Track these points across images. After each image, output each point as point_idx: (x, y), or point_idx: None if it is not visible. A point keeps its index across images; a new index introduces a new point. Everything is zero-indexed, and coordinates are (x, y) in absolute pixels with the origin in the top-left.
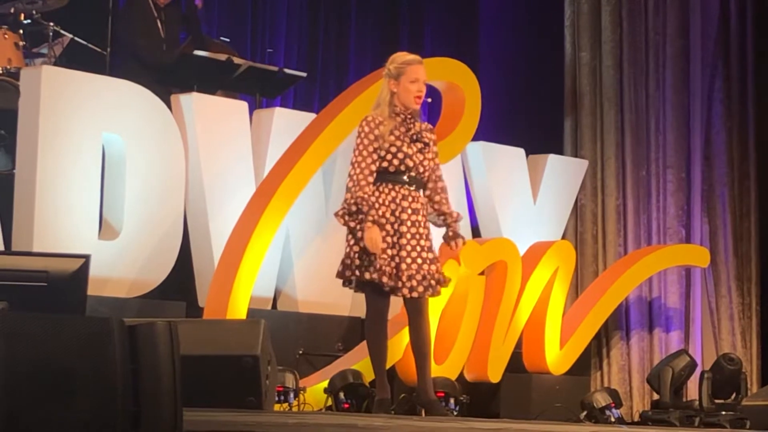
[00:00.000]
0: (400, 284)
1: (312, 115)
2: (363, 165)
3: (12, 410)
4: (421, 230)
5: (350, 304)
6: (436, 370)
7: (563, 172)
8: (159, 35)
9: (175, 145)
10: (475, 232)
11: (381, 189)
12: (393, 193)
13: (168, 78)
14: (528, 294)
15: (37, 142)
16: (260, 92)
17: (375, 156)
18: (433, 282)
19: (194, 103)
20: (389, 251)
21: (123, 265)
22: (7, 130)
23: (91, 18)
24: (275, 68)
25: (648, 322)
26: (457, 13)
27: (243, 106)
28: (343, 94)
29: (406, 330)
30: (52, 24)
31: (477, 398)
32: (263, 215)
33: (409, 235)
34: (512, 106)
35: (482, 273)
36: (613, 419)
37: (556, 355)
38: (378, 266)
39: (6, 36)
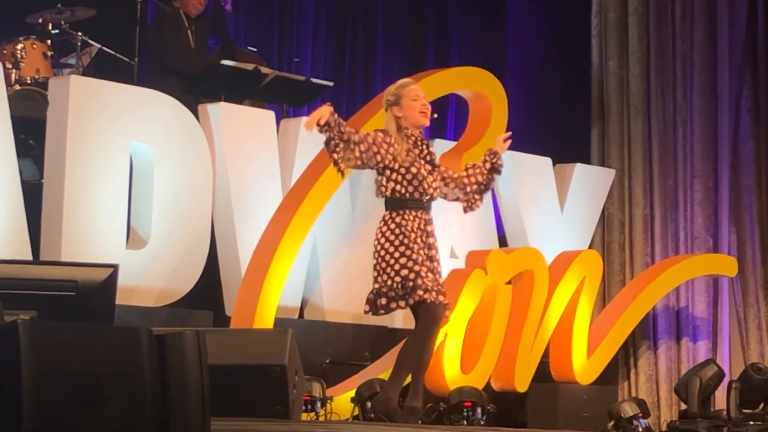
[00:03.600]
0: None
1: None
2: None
3: (41, 419)
4: (434, 251)
5: None
6: (463, 379)
7: (590, 182)
8: (189, 45)
9: (203, 155)
10: (502, 242)
11: (407, 216)
12: (418, 221)
13: (196, 87)
14: (555, 303)
15: (65, 151)
16: (287, 102)
17: (378, 147)
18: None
19: (222, 112)
20: (431, 274)
21: (150, 275)
22: (36, 139)
23: (119, 28)
24: (302, 78)
25: (675, 332)
26: (484, 22)
27: (270, 115)
28: (370, 103)
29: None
30: (80, 34)
31: (504, 408)
32: (290, 224)
33: (438, 257)
34: (539, 115)
35: (509, 282)
36: (640, 429)
37: (583, 365)
38: (429, 287)
39: (34, 46)
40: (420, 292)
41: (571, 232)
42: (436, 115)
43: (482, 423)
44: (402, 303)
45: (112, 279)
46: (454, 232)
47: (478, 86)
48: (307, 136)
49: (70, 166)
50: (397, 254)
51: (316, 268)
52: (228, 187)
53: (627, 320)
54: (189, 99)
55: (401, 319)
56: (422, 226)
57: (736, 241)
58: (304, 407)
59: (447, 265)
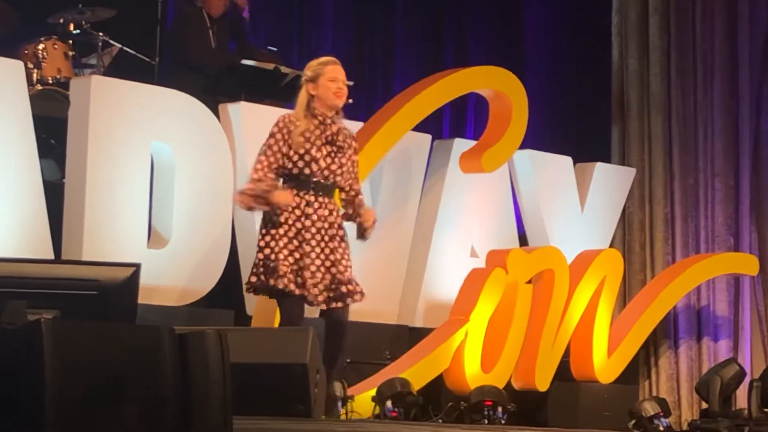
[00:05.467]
0: (306, 293)
1: (359, 124)
2: (265, 163)
3: (63, 418)
4: (326, 238)
5: (397, 312)
6: (484, 378)
7: (611, 181)
8: (210, 45)
9: (223, 154)
10: (523, 241)
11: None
12: (298, 199)
13: (216, 87)
14: (575, 302)
15: (86, 151)
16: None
17: (279, 155)
18: (342, 291)
19: (242, 112)
20: (290, 258)
21: (172, 274)
22: (57, 139)
23: (139, 28)
24: None
25: (696, 331)
26: (503, 21)
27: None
28: (390, 102)
29: (454, 338)
30: (101, 34)
31: (524, 407)
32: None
33: (314, 242)
34: (559, 114)
35: (530, 281)
36: (661, 428)
37: (604, 364)
38: (282, 272)
39: (56, 46)
40: (275, 278)
41: (592, 231)
42: (350, 101)
43: (503, 422)
44: (262, 283)
45: (135, 278)
46: (474, 231)
47: (498, 85)
48: None
49: (91, 166)
50: (264, 231)
51: None
52: None
53: (648, 319)
54: (209, 99)
55: (421, 317)
56: (302, 207)
57: (757, 239)
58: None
59: (467, 264)
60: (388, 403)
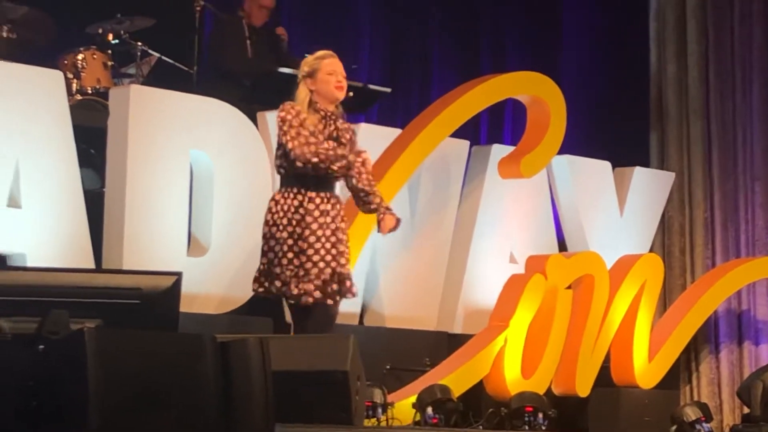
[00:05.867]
0: (297, 291)
1: (396, 131)
2: (300, 136)
3: (107, 426)
4: (327, 233)
5: (437, 318)
6: (524, 384)
7: (650, 185)
8: (247, 54)
9: (262, 162)
10: (562, 246)
11: (286, 195)
12: (300, 197)
13: (254, 95)
14: (615, 307)
15: (125, 160)
16: (345, 108)
17: (301, 130)
18: (343, 287)
19: None
20: (294, 261)
21: (211, 282)
22: (96, 149)
23: (178, 37)
24: (359, 84)
25: (737, 335)
26: (539, 26)
27: None
28: (427, 109)
29: (494, 344)
30: (140, 44)
31: (565, 412)
32: (350, 230)
33: (313, 239)
34: (597, 119)
35: (569, 287)
36: None
37: (644, 369)
38: (283, 279)
39: (95, 56)
40: (277, 283)
41: (631, 235)
42: (351, 93)
43: (543, 428)
44: (265, 285)
45: (176, 287)
46: (513, 237)
47: (536, 91)
48: (366, 143)
49: (131, 175)
50: (268, 234)
51: (376, 274)
52: None
53: (688, 324)
54: (247, 107)
55: (461, 324)
56: (305, 204)
57: None
58: (365, 413)
59: (506, 270)
60: (429, 410)
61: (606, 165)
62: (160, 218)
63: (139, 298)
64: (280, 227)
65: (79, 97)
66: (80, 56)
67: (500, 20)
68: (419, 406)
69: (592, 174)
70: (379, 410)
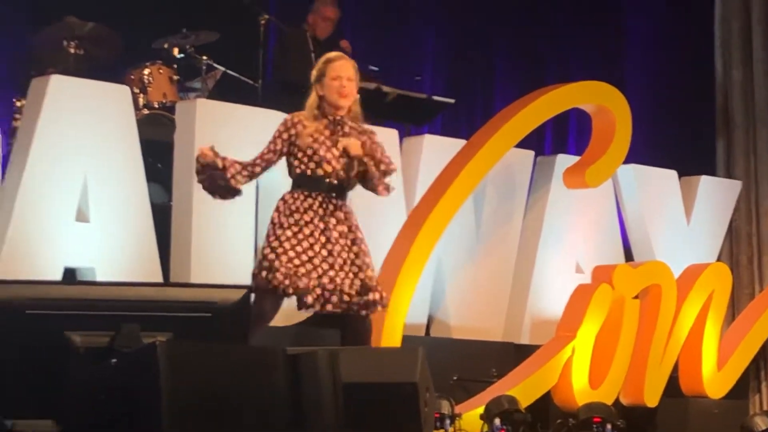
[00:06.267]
0: (312, 295)
1: (461, 142)
2: (259, 153)
3: None
4: (348, 242)
5: (503, 329)
6: (592, 395)
7: (716, 194)
8: (311, 67)
9: None
10: (628, 256)
11: (296, 195)
12: (310, 200)
13: None
14: (683, 317)
15: (192, 174)
16: (409, 120)
17: (274, 155)
18: (369, 299)
19: None
20: (316, 260)
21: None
22: (163, 163)
23: (242, 51)
24: (423, 96)
25: None
26: (603, 35)
27: (393, 133)
28: (492, 120)
29: (561, 354)
30: (205, 58)
31: (634, 423)
32: (415, 242)
33: (338, 247)
34: (662, 127)
35: (636, 296)
36: None
37: (713, 379)
38: (284, 271)
39: (161, 71)
40: (279, 276)
41: (698, 245)
42: (357, 96)
43: None
44: (262, 280)
45: (246, 300)
46: (579, 247)
47: (601, 100)
48: (431, 155)
49: (198, 188)
50: (271, 232)
51: (442, 285)
52: (351, 206)
53: (757, 333)
54: None
55: (527, 334)
56: (314, 208)
57: None
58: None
59: (572, 280)
60: (497, 421)
61: (672, 174)
62: (227, 231)
63: (210, 311)
64: (285, 226)
65: (145, 111)
66: (146, 71)
67: (563, 30)
68: (487, 417)
69: (658, 183)
70: (447, 421)
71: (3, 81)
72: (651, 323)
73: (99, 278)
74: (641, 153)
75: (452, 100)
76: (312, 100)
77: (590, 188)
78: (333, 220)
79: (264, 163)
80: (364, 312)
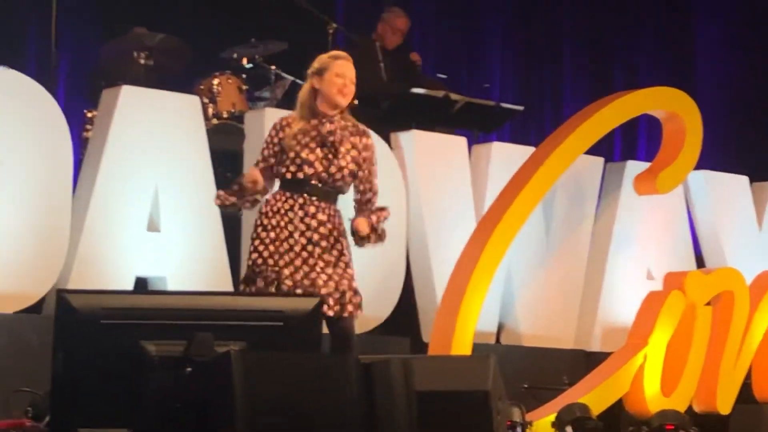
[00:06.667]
0: None
1: (530, 149)
2: (258, 162)
3: None
4: (326, 244)
5: (574, 336)
6: (664, 402)
7: None
8: (380, 77)
9: (396, 183)
10: (700, 262)
11: (278, 197)
12: (291, 201)
13: (387, 116)
14: (756, 323)
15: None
16: (478, 127)
17: (271, 159)
18: (345, 300)
19: (414, 140)
20: (297, 261)
21: None
22: (233, 172)
23: (311, 60)
24: (492, 103)
25: None
26: (672, 40)
27: (462, 141)
28: (561, 127)
29: (633, 362)
30: (273, 67)
31: (707, 430)
32: (485, 250)
33: (319, 249)
34: (734, 132)
35: (708, 303)
36: None
37: None
38: (269, 279)
39: (229, 81)
40: (260, 283)
41: None
42: (356, 102)
43: None
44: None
45: (318, 309)
46: (650, 253)
47: (671, 106)
48: (499, 162)
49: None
50: (254, 235)
51: (512, 292)
52: (421, 214)
53: None
54: (381, 127)
55: (598, 342)
56: (295, 209)
57: None
58: None
59: (643, 287)
60: (568, 429)
61: (743, 179)
62: None
63: (282, 320)
64: (268, 228)
65: (215, 121)
66: (215, 81)
67: (632, 35)
68: (558, 425)
69: (729, 189)
70: (519, 429)
71: (74, 93)
72: (723, 330)
73: (169, 287)
74: (712, 158)
75: (521, 108)
76: (304, 94)
77: (661, 194)
78: (314, 222)
79: (268, 172)
80: (341, 314)
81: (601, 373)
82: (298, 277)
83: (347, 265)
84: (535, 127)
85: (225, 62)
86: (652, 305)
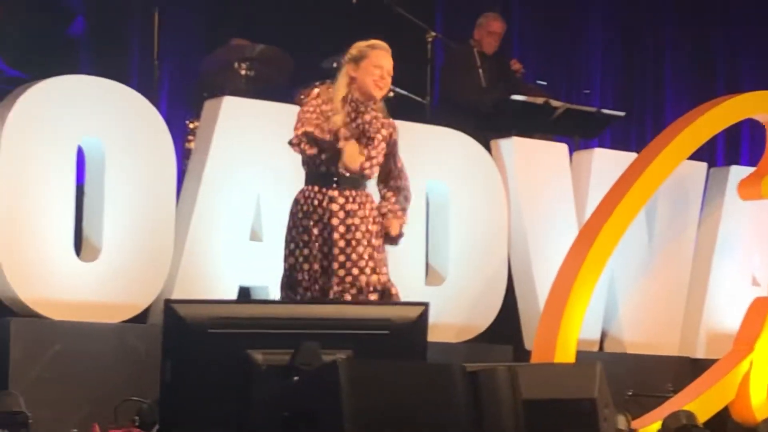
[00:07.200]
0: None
1: (632, 155)
2: (306, 118)
3: None
4: (357, 235)
5: (679, 343)
6: None
7: None
8: (480, 83)
9: (497, 190)
10: None
11: (307, 194)
12: (320, 196)
13: (487, 123)
14: None
15: None
16: (578, 133)
17: (321, 116)
18: (373, 295)
19: (514, 147)
20: (316, 265)
21: (450, 311)
22: None
23: (410, 68)
24: (593, 109)
25: None
26: None
27: (563, 148)
28: (663, 132)
29: (739, 369)
30: None
31: None
32: (587, 257)
33: (343, 243)
34: None
35: None
36: None
37: None
38: (305, 286)
39: (330, 90)
40: (300, 290)
41: None
42: (392, 94)
43: None
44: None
45: (424, 317)
46: (755, 259)
47: None
48: (601, 168)
49: None
50: (289, 237)
51: (615, 299)
52: (522, 221)
53: None
54: (481, 135)
55: (703, 348)
56: (324, 204)
57: None
58: None
59: (749, 293)
60: None
61: None
62: (398, 248)
63: (388, 328)
64: (300, 229)
65: None
66: (315, 91)
67: (734, 39)
68: None
69: None
70: None
71: (176, 104)
72: None
73: (271, 297)
74: None
75: (622, 113)
76: (342, 83)
77: (765, 199)
78: (341, 214)
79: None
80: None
81: (707, 380)
82: (331, 272)
83: (372, 257)
84: (636, 132)
85: (325, 72)
86: (758, 311)
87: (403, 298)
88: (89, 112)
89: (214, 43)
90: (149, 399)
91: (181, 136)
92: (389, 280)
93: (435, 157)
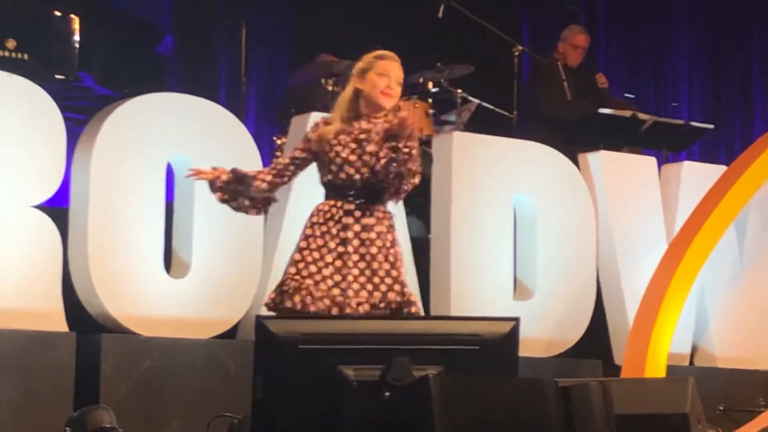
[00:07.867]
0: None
1: (721, 168)
2: (273, 162)
3: None
4: (372, 250)
5: None
6: None
7: None
8: (565, 97)
9: (585, 204)
10: None
11: (322, 207)
12: (334, 210)
13: (574, 137)
14: None
15: (450, 206)
16: (666, 146)
17: (297, 159)
18: (388, 310)
19: (602, 160)
20: (334, 277)
21: (538, 325)
22: (422, 195)
23: (496, 82)
24: (681, 122)
25: None
26: None
27: (651, 161)
28: (753, 144)
29: None
30: (459, 91)
31: None
32: (677, 271)
33: (356, 257)
34: None
35: None
36: None
37: None
38: (319, 295)
39: (416, 105)
40: (297, 298)
41: None
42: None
43: None
44: (288, 304)
45: (515, 332)
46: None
47: None
48: (690, 182)
49: (455, 221)
50: (296, 249)
51: (705, 313)
52: (611, 236)
53: None
54: (568, 149)
55: None
56: (337, 218)
57: None
58: None
59: None
60: None
61: None
62: (485, 263)
63: (479, 344)
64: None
65: None
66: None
67: None
68: None
69: None
70: None
71: (263, 120)
72: None
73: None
74: None
75: (711, 126)
76: (346, 95)
77: None
78: (357, 227)
79: (280, 164)
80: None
81: None
82: (325, 287)
83: (389, 273)
84: (725, 145)
85: (411, 87)
86: None
87: (491, 313)
88: (178, 129)
89: (300, 59)
90: (240, 415)
91: (268, 152)
92: (411, 294)
93: (521, 170)
